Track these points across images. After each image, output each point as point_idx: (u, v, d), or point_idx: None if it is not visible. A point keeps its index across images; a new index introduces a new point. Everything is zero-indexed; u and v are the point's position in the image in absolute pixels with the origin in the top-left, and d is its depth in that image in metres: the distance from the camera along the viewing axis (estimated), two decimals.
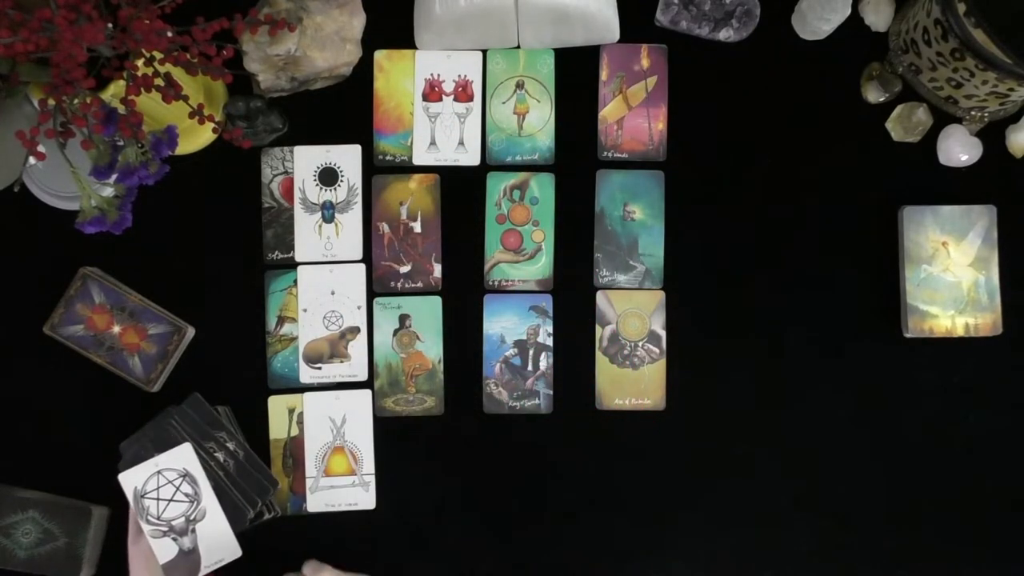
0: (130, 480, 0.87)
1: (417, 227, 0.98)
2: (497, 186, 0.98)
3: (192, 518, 0.87)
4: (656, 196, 0.98)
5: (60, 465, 0.95)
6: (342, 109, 0.98)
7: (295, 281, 0.97)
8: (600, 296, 0.98)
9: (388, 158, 0.98)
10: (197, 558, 0.86)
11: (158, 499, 0.87)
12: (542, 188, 0.98)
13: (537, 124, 0.99)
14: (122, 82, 0.79)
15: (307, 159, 0.98)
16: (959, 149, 0.98)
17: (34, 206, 0.95)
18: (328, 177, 0.98)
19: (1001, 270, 0.97)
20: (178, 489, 0.87)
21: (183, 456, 0.88)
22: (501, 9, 0.93)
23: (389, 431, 0.97)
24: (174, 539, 0.87)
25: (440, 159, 0.98)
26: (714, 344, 0.97)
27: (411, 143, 0.98)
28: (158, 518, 0.87)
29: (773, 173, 0.99)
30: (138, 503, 0.87)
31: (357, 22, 0.95)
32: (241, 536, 0.90)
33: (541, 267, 0.98)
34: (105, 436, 0.92)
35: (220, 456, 0.90)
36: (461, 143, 0.98)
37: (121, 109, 0.78)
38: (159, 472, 0.87)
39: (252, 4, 0.93)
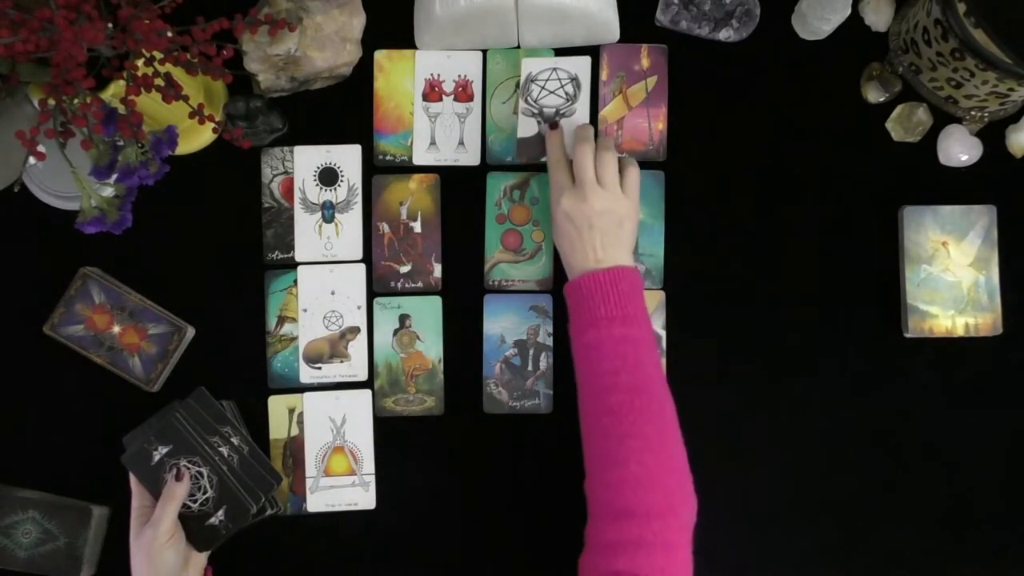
0: (527, 65, 0.94)
1: (417, 227, 0.98)
2: (497, 186, 0.98)
3: (563, 113, 0.94)
4: (656, 196, 0.98)
5: (60, 465, 0.95)
6: (342, 109, 0.98)
7: (295, 281, 0.97)
8: None
9: (388, 158, 0.98)
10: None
11: (543, 88, 0.92)
12: (542, 188, 0.98)
13: None
14: (122, 82, 0.79)
15: (307, 159, 0.98)
16: (959, 149, 0.98)
17: (34, 206, 0.95)
18: (328, 177, 0.98)
19: (1001, 270, 0.97)
20: (562, 87, 0.91)
21: (578, 64, 0.94)
22: (501, 9, 0.93)
23: (389, 431, 0.97)
24: (539, 122, 0.95)
25: (440, 159, 0.98)
26: (714, 344, 0.97)
27: (411, 143, 0.98)
28: (535, 102, 0.93)
29: (773, 173, 0.99)
30: (526, 85, 0.93)
31: (357, 22, 0.95)
32: (242, 534, 0.90)
33: (541, 267, 0.98)
34: (105, 436, 0.92)
35: (224, 451, 0.90)
36: (461, 143, 0.98)
37: (121, 109, 0.78)
38: (555, 69, 0.93)
39: (252, 4, 0.93)
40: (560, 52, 0.98)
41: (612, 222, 0.88)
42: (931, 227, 0.96)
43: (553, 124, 0.93)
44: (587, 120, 0.96)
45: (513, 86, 0.98)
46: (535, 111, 0.96)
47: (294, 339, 0.97)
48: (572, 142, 0.91)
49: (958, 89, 0.94)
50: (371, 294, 0.97)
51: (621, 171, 0.91)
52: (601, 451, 0.82)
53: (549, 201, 0.93)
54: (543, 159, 0.96)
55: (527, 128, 0.96)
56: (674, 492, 0.80)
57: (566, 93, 0.95)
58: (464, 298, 0.97)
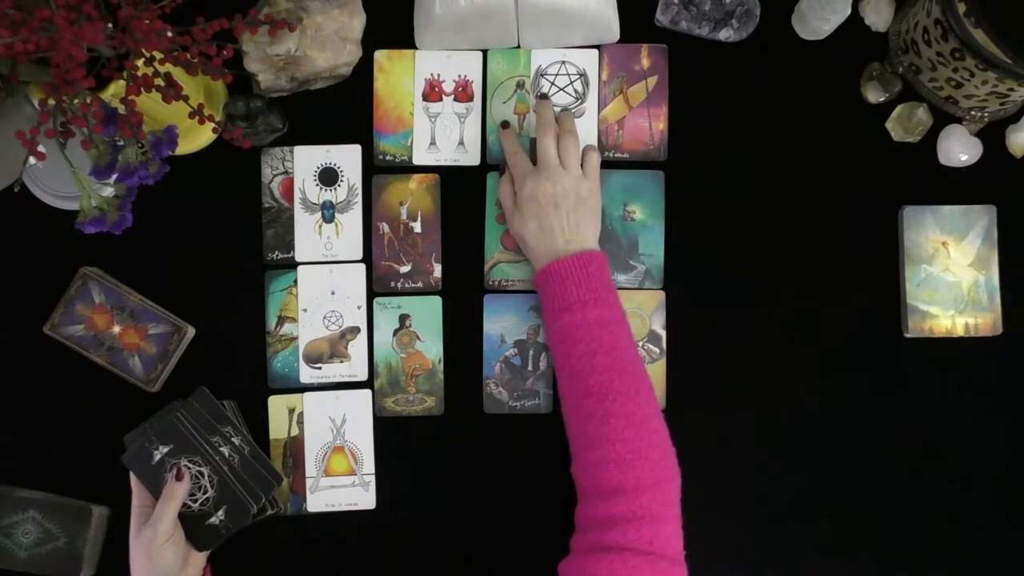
0: (537, 57, 0.96)
1: (417, 227, 0.98)
2: (497, 186, 0.98)
3: (572, 112, 0.96)
4: (656, 196, 0.98)
5: (60, 465, 0.95)
6: (342, 109, 0.98)
7: (295, 281, 0.97)
8: None
9: (388, 158, 0.98)
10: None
11: (553, 83, 0.96)
12: None
13: None
14: (122, 82, 0.79)
15: (307, 159, 0.98)
16: (959, 149, 0.98)
17: (34, 206, 0.95)
18: (328, 177, 0.98)
19: (1001, 270, 0.97)
20: (572, 83, 0.93)
21: (585, 57, 0.96)
22: (501, 9, 0.93)
23: (389, 431, 0.97)
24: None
25: (440, 159, 0.98)
26: (714, 344, 0.97)
27: (411, 143, 0.98)
28: (544, 97, 0.96)
29: (773, 173, 0.99)
30: (536, 80, 0.96)
31: (357, 22, 0.95)
32: (241, 534, 0.90)
33: None
34: (105, 436, 0.92)
35: (225, 451, 0.90)
36: (461, 143, 0.98)
37: (121, 109, 0.78)
38: (564, 62, 0.96)
39: (252, 4, 0.93)
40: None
41: (575, 202, 0.90)
42: (931, 227, 0.96)
43: (504, 124, 0.96)
44: (595, 119, 0.98)
45: (513, 86, 0.98)
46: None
47: (294, 339, 0.97)
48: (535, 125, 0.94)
49: (958, 89, 0.94)
50: (371, 294, 0.97)
51: (582, 155, 0.93)
52: (584, 433, 0.84)
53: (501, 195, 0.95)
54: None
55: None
56: (658, 465, 0.82)
57: (575, 91, 0.96)
58: (464, 298, 0.97)
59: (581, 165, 0.92)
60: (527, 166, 0.92)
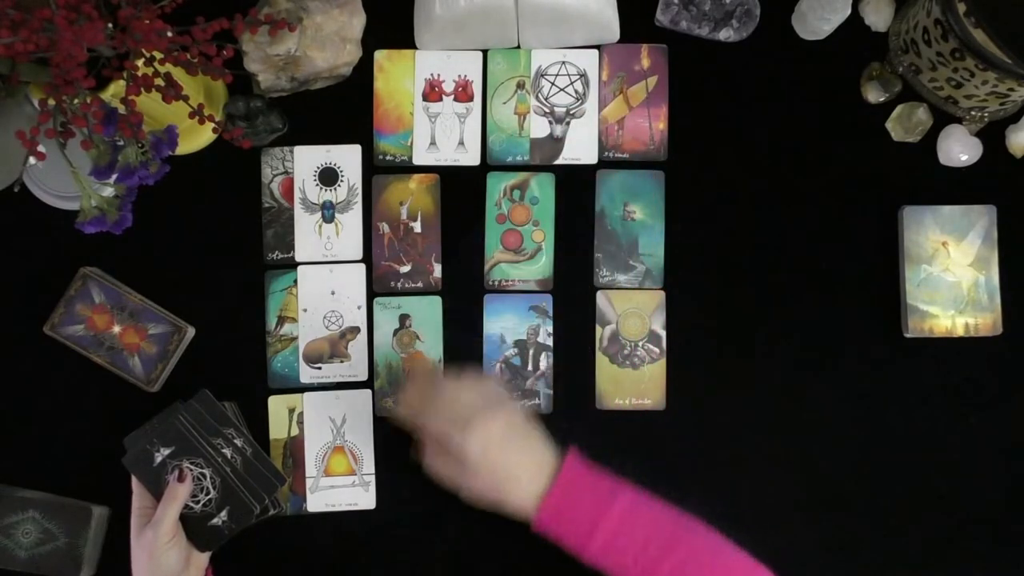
0: (537, 58, 0.96)
1: (417, 227, 0.98)
2: (497, 186, 0.98)
3: (573, 113, 0.96)
4: (656, 196, 0.98)
5: (60, 465, 0.95)
6: (342, 109, 0.98)
7: (295, 281, 0.97)
8: (600, 296, 0.98)
9: (388, 158, 0.98)
10: (560, 148, 0.97)
11: (553, 84, 0.95)
12: (542, 188, 0.98)
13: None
14: (122, 82, 0.79)
15: (307, 159, 0.98)
16: (959, 149, 0.98)
17: (34, 206, 0.95)
18: (328, 177, 0.98)
19: (1001, 270, 0.97)
20: (572, 84, 0.93)
21: (585, 57, 0.96)
22: (501, 9, 0.93)
23: (389, 431, 0.97)
24: (550, 122, 0.97)
25: (440, 159, 0.98)
26: (714, 344, 0.97)
27: (411, 143, 0.98)
28: (546, 99, 0.96)
29: (773, 173, 0.99)
30: (537, 80, 0.95)
31: (357, 22, 0.95)
32: (241, 534, 0.90)
33: (541, 267, 0.98)
34: (105, 436, 0.92)
35: (227, 452, 0.90)
36: (461, 143, 0.98)
37: (121, 109, 0.78)
38: (564, 63, 0.95)
39: (252, 4, 0.93)
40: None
41: (512, 431, 0.81)
42: (931, 227, 0.96)
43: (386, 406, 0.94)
44: (595, 119, 0.98)
45: (514, 86, 0.98)
46: (546, 110, 0.97)
47: (294, 339, 0.97)
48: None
49: (958, 89, 0.94)
50: (371, 294, 0.97)
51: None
52: None
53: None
54: (556, 161, 0.97)
55: (539, 128, 0.97)
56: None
57: (575, 91, 0.96)
58: (464, 298, 0.97)
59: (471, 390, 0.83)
60: (444, 426, 0.81)
